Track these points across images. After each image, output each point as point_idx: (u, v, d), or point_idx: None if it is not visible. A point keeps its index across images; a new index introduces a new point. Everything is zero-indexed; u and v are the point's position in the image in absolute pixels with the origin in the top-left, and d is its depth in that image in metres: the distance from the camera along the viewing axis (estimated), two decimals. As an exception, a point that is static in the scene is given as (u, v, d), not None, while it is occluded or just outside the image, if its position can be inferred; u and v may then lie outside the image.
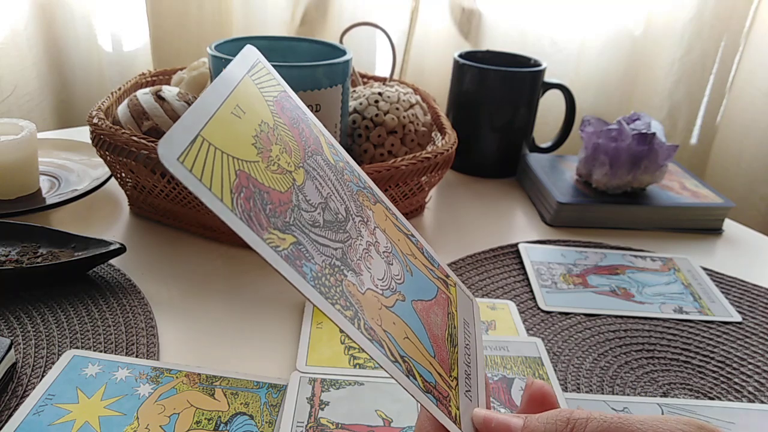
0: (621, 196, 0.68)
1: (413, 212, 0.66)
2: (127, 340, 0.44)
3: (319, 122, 0.31)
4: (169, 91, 0.60)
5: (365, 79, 0.77)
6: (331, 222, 0.26)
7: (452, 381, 0.27)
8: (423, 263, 0.32)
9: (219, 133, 0.22)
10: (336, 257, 0.25)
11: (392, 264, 0.29)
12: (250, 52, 0.28)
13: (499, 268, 0.58)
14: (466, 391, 0.28)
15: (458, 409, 0.26)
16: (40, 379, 0.40)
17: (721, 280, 0.58)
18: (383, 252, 0.29)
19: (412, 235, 0.33)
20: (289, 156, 0.26)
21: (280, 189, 0.24)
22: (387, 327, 0.25)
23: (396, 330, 0.26)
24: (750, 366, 0.47)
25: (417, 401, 0.25)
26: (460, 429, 0.25)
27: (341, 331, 0.23)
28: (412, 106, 0.64)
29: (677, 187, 0.71)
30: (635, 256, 0.61)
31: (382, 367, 0.24)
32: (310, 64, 0.53)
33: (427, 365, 0.26)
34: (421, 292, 0.30)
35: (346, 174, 0.30)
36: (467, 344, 0.31)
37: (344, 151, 0.31)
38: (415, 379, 0.25)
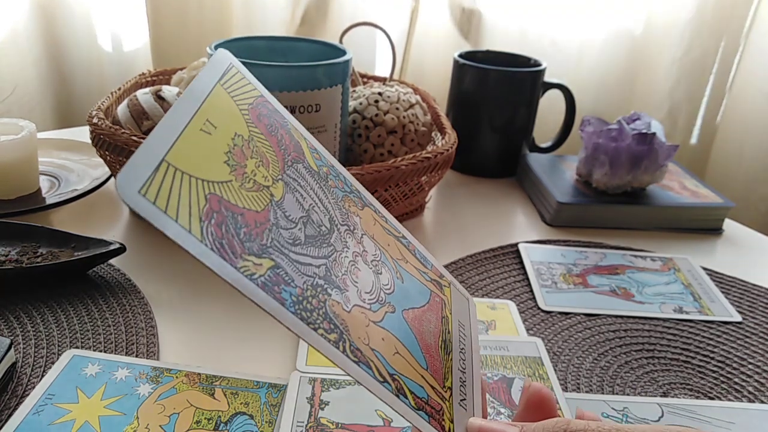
0: (621, 196, 0.68)
1: (413, 212, 0.66)
2: (127, 340, 0.44)
3: (301, 125, 0.29)
4: (169, 91, 0.60)
5: (365, 79, 0.77)
6: (314, 237, 0.25)
7: (446, 392, 0.26)
8: (415, 266, 0.31)
9: (186, 155, 0.21)
10: (319, 275, 0.24)
11: (381, 273, 0.28)
12: (221, 57, 0.26)
13: (499, 268, 0.58)
14: (461, 399, 0.27)
15: (452, 421, 0.26)
16: (40, 379, 0.40)
17: (721, 280, 0.58)
18: (371, 261, 0.28)
19: (403, 237, 0.32)
20: (266, 169, 0.24)
21: (256, 208, 0.23)
22: (375, 345, 0.24)
23: (385, 346, 0.25)
24: (750, 366, 0.47)
25: (408, 421, 0.24)
26: None
27: (326, 357, 0.22)
28: (412, 106, 0.64)
29: (677, 187, 0.71)
30: (635, 256, 0.61)
31: (369, 390, 0.23)
32: (310, 64, 0.53)
33: (419, 379, 0.25)
34: (412, 300, 0.29)
35: (331, 179, 0.29)
36: (462, 348, 0.30)
37: (328, 154, 0.30)
38: (406, 397, 0.24)
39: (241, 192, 0.22)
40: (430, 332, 0.28)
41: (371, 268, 0.27)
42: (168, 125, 0.21)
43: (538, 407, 0.27)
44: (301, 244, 0.24)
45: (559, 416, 0.25)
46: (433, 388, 0.26)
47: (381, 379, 0.23)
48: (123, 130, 0.55)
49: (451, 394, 0.27)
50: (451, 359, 0.29)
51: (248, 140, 0.25)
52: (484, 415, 0.28)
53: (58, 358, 0.42)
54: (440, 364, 0.27)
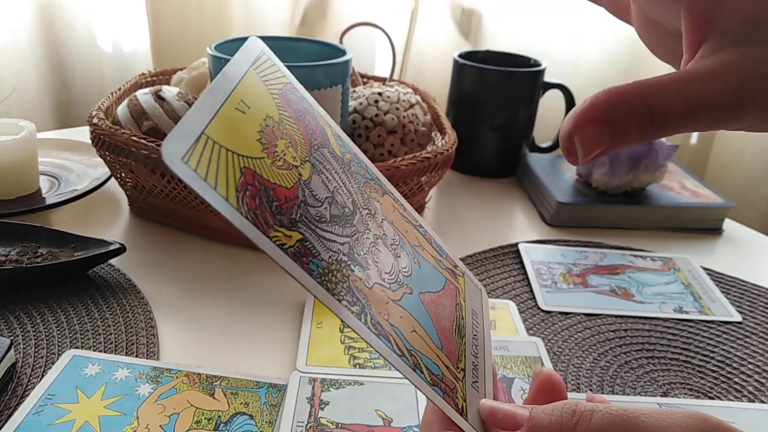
0: (621, 196, 0.68)
1: (413, 212, 0.66)
2: (127, 340, 0.44)
3: (326, 113, 0.31)
4: (169, 91, 0.60)
5: (365, 79, 0.77)
6: (338, 216, 0.26)
7: (459, 372, 0.27)
8: (431, 254, 0.32)
9: (223, 131, 0.22)
10: (343, 252, 0.25)
11: (400, 256, 0.29)
12: (253, 45, 0.28)
13: (499, 268, 0.58)
14: (474, 382, 0.28)
15: (465, 401, 0.26)
16: (40, 379, 0.40)
17: (721, 280, 0.58)
18: (391, 245, 0.29)
19: (420, 226, 0.33)
20: (294, 150, 0.26)
21: (286, 185, 0.24)
22: (394, 321, 0.25)
23: (403, 323, 0.26)
24: (750, 366, 0.47)
25: (423, 394, 0.25)
26: (467, 421, 0.26)
27: (348, 327, 0.23)
28: (412, 106, 0.64)
29: (677, 187, 0.71)
30: (635, 256, 0.61)
31: (388, 362, 0.24)
32: (310, 64, 0.53)
33: (434, 358, 0.26)
34: (428, 284, 0.30)
35: (353, 166, 0.30)
36: (475, 334, 0.31)
37: (351, 142, 0.31)
38: (422, 372, 0.25)
39: (272, 169, 0.24)
40: (445, 316, 0.29)
41: (390, 251, 0.28)
42: (206, 102, 0.22)
43: (548, 392, 0.27)
44: (327, 222, 0.25)
45: None
46: (447, 367, 0.27)
47: (399, 353, 0.24)
48: (123, 131, 0.55)
49: (464, 376, 0.28)
50: (465, 343, 0.29)
51: (278, 122, 0.26)
52: (495, 400, 0.28)
53: (58, 358, 0.42)
54: (454, 347, 0.28)
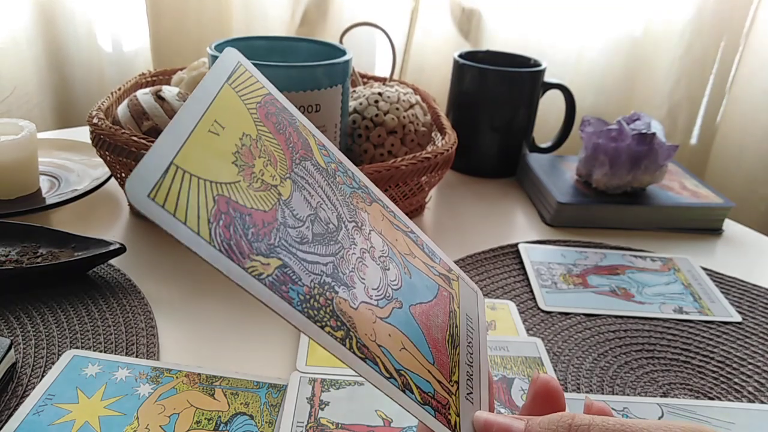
0: (621, 196, 0.68)
1: (413, 212, 0.66)
2: (127, 340, 0.44)
3: (309, 122, 0.30)
4: (169, 91, 0.60)
5: (365, 79, 0.77)
6: (322, 234, 0.25)
7: (452, 386, 0.27)
8: (423, 261, 0.32)
9: (195, 157, 0.21)
10: (326, 273, 0.24)
11: (389, 269, 0.28)
12: (229, 56, 0.27)
13: (499, 268, 0.58)
14: (468, 393, 0.27)
15: (458, 415, 0.26)
16: (40, 379, 0.40)
17: (721, 280, 0.58)
18: (379, 257, 0.28)
19: (412, 232, 0.32)
20: (274, 168, 0.25)
21: (264, 208, 0.23)
22: (382, 341, 0.25)
23: (391, 342, 0.25)
24: (750, 366, 0.47)
25: (413, 416, 0.24)
26: None
27: (332, 354, 0.22)
28: (412, 106, 0.64)
29: (677, 187, 0.71)
30: (635, 256, 0.61)
31: (376, 387, 0.23)
32: (310, 64, 0.53)
33: (426, 374, 0.26)
34: (419, 295, 0.29)
35: (339, 176, 0.29)
36: (470, 342, 0.30)
37: (337, 150, 0.30)
38: (412, 392, 0.24)
39: (249, 192, 0.23)
40: (437, 327, 0.29)
41: (379, 265, 0.28)
42: (176, 128, 0.21)
43: (546, 400, 0.27)
44: (309, 242, 0.24)
45: (566, 410, 0.25)
46: (439, 382, 0.26)
47: (387, 375, 0.24)
48: (123, 131, 0.55)
49: (458, 388, 0.27)
50: (458, 353, 0.29)
51: (256, 139, 0.25)
52: (491, 410, 0.28)
53: (58, 359, 0.42)
54: (447, 359, 0.28)
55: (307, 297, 0.23)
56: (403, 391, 0.24)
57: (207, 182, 0.21)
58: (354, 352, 0.23)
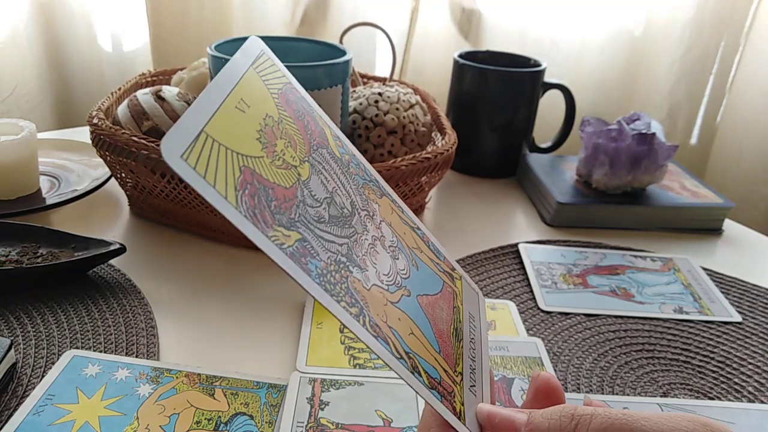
0: (621, 196, 0.68)
1: (413, 212, 0.66)
2: (127, 340, 0.44)
3: (325, 114, 0.31)
4: (169, 91, 0.60)
5: (365, 79, 0.77)
6: (337, 217, 0.26)
7: (457, 376, 0.27)
8: (429, 257, 0.32)
9: (223, 129, 0.22)
10: (341, 253, 0.25)
11: (398, 258, 0.29)
12: (253, 44, 0.28)
13: (499, 268, 0.58)
14: (471, 386, 0.28)
15: (463, 404, 0.26)
16: (40, 379, 0.40)
17: (721, 280, 0.58)
18: (389, 246, 0.29)
19: (418, 228, 0.33)
20: (294, 150, 0.26)
21: (285, 185, 0.24)
22: (392, 323, 0.25)
23: (401, 326, 0.26)
24: (750, 366, 0.47)
25: (422, 398, 0.24)
26: (465, 425, 0.25)
27: (346, 328, 0.23)
28: (412, 106, 0.64)
29: (677, 187, 0.71)
30: (635, 256, 0.61)
31: (387, 364, 0.24)
32: (310, 64, 0.53)
33: (432, 361, 0.26)
34: (426, 287, 0.30)
35: (352, 167, 0.30)
36: (472, 338, 0.31)
37: (350, 143, 0.31)
38: (420, 375, 0.25)
39: (271, 168, 0.24)
40: (442, 319, 0.29)
41: (389, 253, 0.28)
42: (206, 100, 0.22)
43: (546, 397, 0.27)
44: (326, 222, 0.25)
45: None
46: (445, 371, 0.27)
47: (398, 356, 0.24)
48: (123, 131, 0.55)
49: (462, 379, 0.27)
50: (462, 347, 0.29)
51: (278, 122, 0.26)
52: (493, 404, 0.28)
53: (58, 359, 0.42)
54: (452, 350, 0.28)
55: (324, 272, 0.23)
56: (412, 373, 0.25)
57: (234, 153, 0.22)
58: (367, 329, 0.24)
